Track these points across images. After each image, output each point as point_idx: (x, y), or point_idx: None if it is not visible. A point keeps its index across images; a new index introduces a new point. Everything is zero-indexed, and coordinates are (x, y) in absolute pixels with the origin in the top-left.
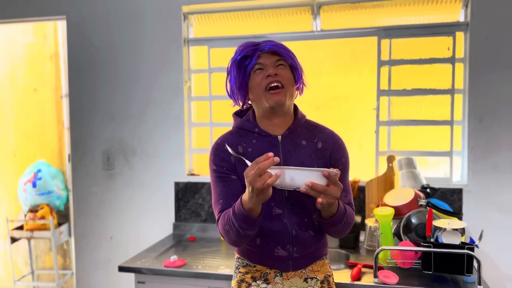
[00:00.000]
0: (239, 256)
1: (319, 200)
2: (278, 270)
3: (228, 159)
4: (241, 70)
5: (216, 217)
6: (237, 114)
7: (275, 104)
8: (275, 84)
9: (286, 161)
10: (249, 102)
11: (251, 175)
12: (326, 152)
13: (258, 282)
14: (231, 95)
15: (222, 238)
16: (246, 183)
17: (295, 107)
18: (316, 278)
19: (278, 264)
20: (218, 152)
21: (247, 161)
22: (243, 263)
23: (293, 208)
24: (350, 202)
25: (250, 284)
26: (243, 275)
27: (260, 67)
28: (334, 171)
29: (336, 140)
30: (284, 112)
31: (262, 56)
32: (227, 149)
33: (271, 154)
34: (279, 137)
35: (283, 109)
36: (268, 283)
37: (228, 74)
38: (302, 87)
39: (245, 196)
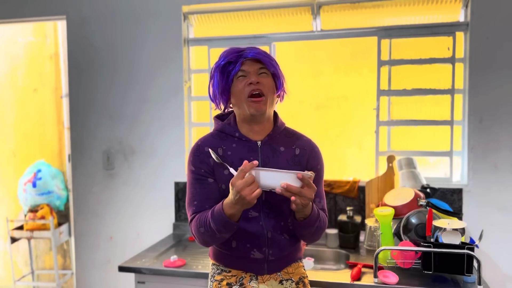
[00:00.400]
0: (214, 262)
1: (293, 198)
2: (253, 273)
3: (207, 162)
4: (224, 76)
5: (189, 218)
6: (218, 117)
7: (255, 112)
8: (257, 92)
9: (264, 166)
10: (231, 106)
11: (240, 183)
12: (303, 158)
13: (234, 287)
14: (213, 99)
15: None
16: (231, 191)
17: (276, 114)
18: (291, 279)
19: (253, 267)
20: (198, 154)
21: (231, 169)
22: (218, 269)
23: (270, 211)
24: (324, 208)
25: None
26: (218, 284)
27: (243, 74)
28: (308, 173)
29: (313, 148)
30: (264, 120)
31: (245, 63)
32: (208, 152)
33: (256, 162)
34: (259, 143)
35: (263, 116)
36: None
37: (211, 78)
38: (283, 94)
39: (228, 201)
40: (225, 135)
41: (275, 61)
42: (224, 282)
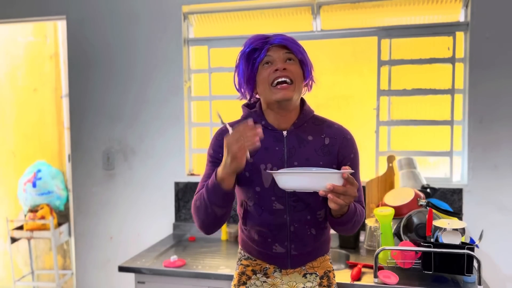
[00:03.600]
0: (241, 248)
1: (340, 201)
2: (277, 266)
3: None
4: (250, 63)
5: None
6: (246, 106)
7: (282, 99)
8: (283, 79)
9: (290, 157)
10: (257, 95)
11: (230, 138)
12: (333, 148)
13: (258, 275)
14: (239, 89)
15: (223, 237)
16: (224, 150)
17: (303, 101)
18: (315, 273)
19: (276, 261)
20: (220, 138)
21: (229, 128)
22: (245, 255)
23: (297, 204)
24: (361, 200)
25: (250, 277)
26: (244, 268)
27: (269, 60)
28: (350, 170)
29: (344, 136)
30: (291, 107)
31: (271, 50)
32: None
33: (250, 122)
34: (285, 133)
35: (290, 103)
36: (267, 277)
37: (236, 67)
38: (311, 83)
39: (220, 166)
40: None
41: (303, 48)
42: (250, 268)
